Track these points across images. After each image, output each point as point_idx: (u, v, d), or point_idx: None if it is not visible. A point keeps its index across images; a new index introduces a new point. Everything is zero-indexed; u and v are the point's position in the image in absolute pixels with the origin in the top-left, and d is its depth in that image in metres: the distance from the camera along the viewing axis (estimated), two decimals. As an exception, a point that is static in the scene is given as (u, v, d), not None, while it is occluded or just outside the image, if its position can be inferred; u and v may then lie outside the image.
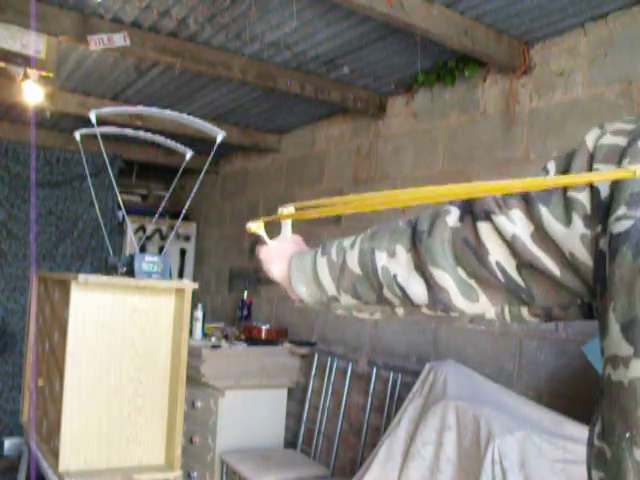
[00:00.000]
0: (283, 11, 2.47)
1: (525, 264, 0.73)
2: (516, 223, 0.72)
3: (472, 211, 0.78)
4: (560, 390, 2.42)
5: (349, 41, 2.75)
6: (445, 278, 0.80)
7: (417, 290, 0.83)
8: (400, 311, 0.90)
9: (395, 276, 0.85)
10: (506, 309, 0.80)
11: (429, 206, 0.83)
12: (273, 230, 1.04)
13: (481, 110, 2.88)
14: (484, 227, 0.75)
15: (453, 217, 0.80)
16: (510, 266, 0.75)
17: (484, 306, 0.81)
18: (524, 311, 0.79)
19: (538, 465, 1.94)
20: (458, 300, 0.81)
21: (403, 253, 0.85)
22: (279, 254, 1.01)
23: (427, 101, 3.16)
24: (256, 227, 1.02)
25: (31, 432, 2.54)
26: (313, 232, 3.70)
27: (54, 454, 2.17)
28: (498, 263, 0.75)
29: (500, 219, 0.73)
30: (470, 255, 0.77)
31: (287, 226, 1.05)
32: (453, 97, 3.02)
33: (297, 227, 1.07)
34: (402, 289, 0.85)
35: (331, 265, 0.92)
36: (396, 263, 0.85)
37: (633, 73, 2.28)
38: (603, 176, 0.64)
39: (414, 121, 3.24)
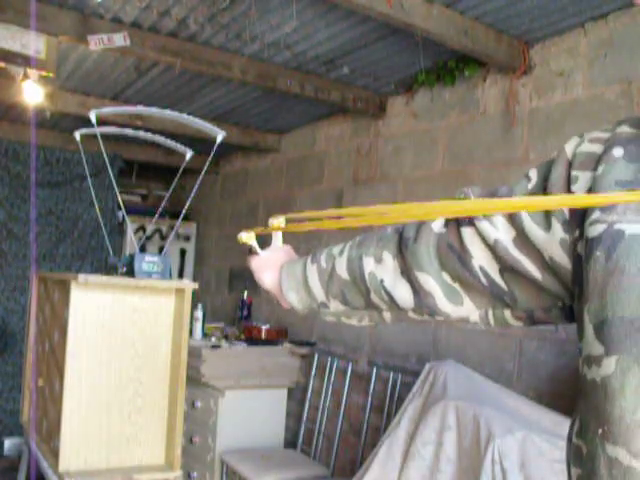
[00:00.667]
0: (283, 11, 2.47)
1: (507, 268, 0.76)
2: (498, 228, 0.74)
3: (456, 217, 0.80)
4: (560, 390, 2.42)
5: (349, 41, 2.75)
6: (430, 282, 0.82)
7: (403, 294, 0.85)
8: (387, 316, 0.92)
9: (382, 281, 0.87)
10: (490, 312, 0.82)
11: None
12: (265, 242, 1.06)
13: (481, 110, 2.88)
14: (468, 232, 0.78)
15: (438, 223, 0.83)
16: (493, 270, 0.77)
17: (468, 309, 0.83)
18: (507, 314, 0.81)
19: (538, 465, 1.94)
20: (443, 304, 0.83)
21: (390, 259, 0.87)
22: (270, 263, 1.03)
23: (427, 101, 3.16)
24: (247, 237, 1.03)
25: (31, 432, 2.54)
26: (314, 234, 3.70)
27: (54, 454, 2.17)
28: (481, 267, 0.77)
29: (483, 224, 0.75)
30: (454, 259, 0.79)
31: (278, 237, 1.08)
32: (453, 97, 3.02)
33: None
34: (389, 294, 0.87)
35: (320, 272, 0.94)
36: (383, 269, 0.87)
37: (633, 73, 2.28)
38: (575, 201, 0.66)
39: (414, 121, 3.24)
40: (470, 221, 0.77)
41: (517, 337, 2.60)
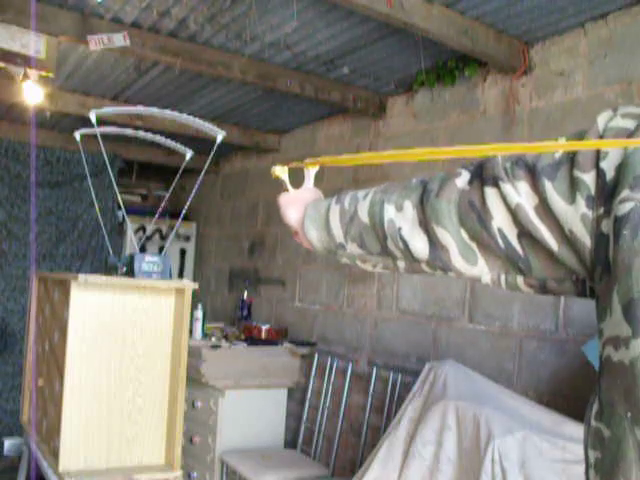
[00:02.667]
0: (283, 11, 2.47)
1: (526, 234, 0.75)
2: (521, 194, 0.74)
3: (482, 176, 0.80)
4: (560, 390, 2.42)
5: (349, 41, 2.75)
6: (447, 237, 0.82)
7: (419, 245, 0.86)
8: (401, 265, 0.92)
9: (400, 229, 0.87)
10: (502, 277, 0.81)
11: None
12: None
13: (481, 110, 2.88)
14: (491, 192, 0.77)
15: (463, 180, 0.82)
16: (511, 234, 0.76)
17: (481, 270, 0.82)
18: (520, 280, 0.80)
19: (538, 465, 1.94)
20: (457, 260, 0.82)
21: (410, 208, 0.87)
22: (297, 200, 1.07)
23: (427, 101, 3.16)
24: (280, 171, 1.07)
25: (31, 432, 2.54)
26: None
27: (54, 454, 2.17)
28: (500, 229, 0.77)
29: (507, 187, 0.75)
30: (474, 218, 0.79)
31: (310, 178, 1.11)
32: (453, 97, 3.02)
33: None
34: (405, 242, 0.87)
35: (342, 213, 0.96)
36: (402, 217, 0.88)
37: (633, 73, 2.28)
38: (612, 143, 0.66)
39: (414, 121, 3.24)
40: (495, 182, 0.77)
41: (517, 337, 2.60)
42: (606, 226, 0.66)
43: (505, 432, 1.98)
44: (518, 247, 0.76)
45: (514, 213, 0.75)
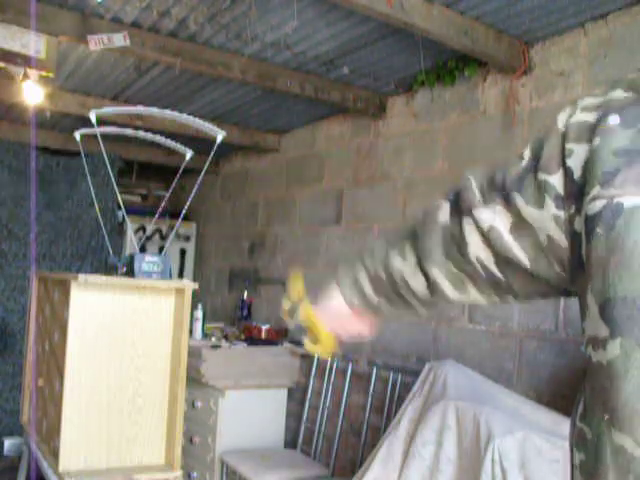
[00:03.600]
0: (283, 11, 2.47)
1: (501, 258, 0.76)
2: (496, 216, 0.75)
3: (459, 206, 0.81)
4: (560, 390, 2.42)
5: (349, 41, 2.75)
6: (437, 272, 0.85)
7: (417, 284, 0.89)
8: (421, 309, 0.96)
9: (403, 274, 0.91)
10: (495, 298, 0.85)
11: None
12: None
13: (481, 110, 2.88)
14: (467, 222, 0.79)
15: (444, 213, 0.84)
16: (489, 260, 0.78)
17: (475, 296, 0.86)
18: (510, 298, 0.84)
19: (538, 465, 1.94)
20: (450, 291, 0.86)
21: (411, 253, 0.90)
22: (342, 316, 1.05)
23: (427, 101, 3.16)
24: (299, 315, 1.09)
25: (31, 432, 2.54)
26: (313, 231, 3.70)
27: (54, 454, 2.17)
28: (478, 258, 0.79)
29: (479, 211, 0.77)
30: (455, 249, 0.81)
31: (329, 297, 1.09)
32: (453, 97, 3.02)
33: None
34: (407, 284, 0.91)
35: (371, 278, 0.99)
36: (407, 264, 0.91)
37: (633, 73, 2.28)
38: None
39: (414, 121, 3.24)
40: (469, 211, 0.78)
41: (517, 337, 2.60)
42: (579, 224, 0.65)
43: (505, 432, 1.98)
44: (497, 272, 0.78)
45: (487, 237, 0.76)
